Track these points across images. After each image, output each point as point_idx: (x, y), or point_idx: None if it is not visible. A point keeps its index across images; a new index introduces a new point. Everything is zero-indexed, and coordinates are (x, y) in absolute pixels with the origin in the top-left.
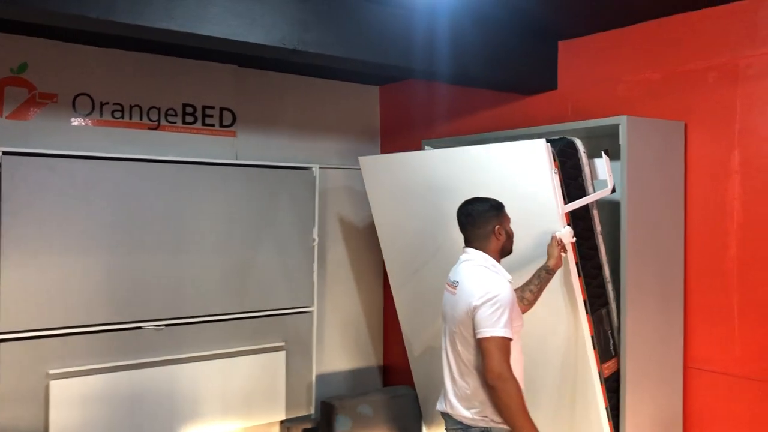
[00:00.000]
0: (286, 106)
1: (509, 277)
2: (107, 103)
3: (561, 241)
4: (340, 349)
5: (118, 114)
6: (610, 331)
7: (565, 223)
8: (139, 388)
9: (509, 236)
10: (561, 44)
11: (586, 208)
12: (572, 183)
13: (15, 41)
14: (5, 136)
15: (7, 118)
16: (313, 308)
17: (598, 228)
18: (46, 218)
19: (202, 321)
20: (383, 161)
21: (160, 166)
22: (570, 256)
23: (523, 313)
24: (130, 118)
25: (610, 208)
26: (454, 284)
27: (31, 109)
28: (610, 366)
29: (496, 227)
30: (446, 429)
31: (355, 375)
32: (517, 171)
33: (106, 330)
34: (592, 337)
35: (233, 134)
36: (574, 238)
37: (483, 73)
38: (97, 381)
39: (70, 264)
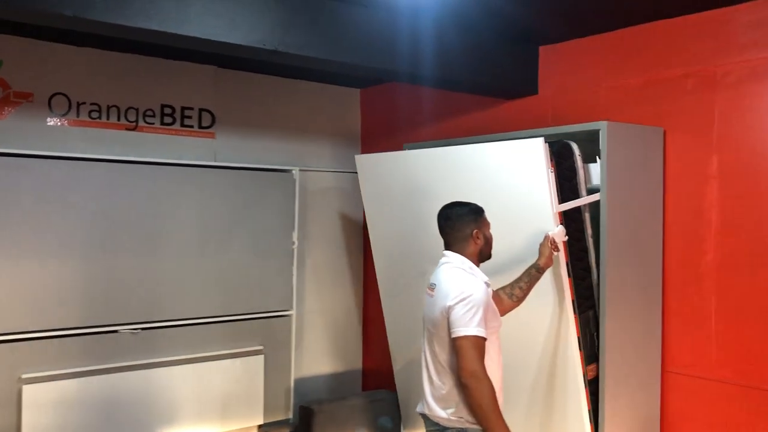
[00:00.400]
0: (266, 108)
1: (486, 278)
2: (84, 103)
3: (554, 241)
4: (319, 352)
5: (95, 114)
6: (595, 334)
7: (558, 223)
8: (115, 392)
9: (488, 240)
10: (542, 49)
11: (578, 211)
12: (566, 184)
13: None
14: None
15: None
16: (292, 312)
17: (589, 231)
18: (20, 220)
19: (179, 324)
20: (380, 160)
21: (137, 167)
22: (561, 256)
23: (512, 310)
24: (108, 119)
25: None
26: (432, 287)
27: (6, 108)
28: (593, 369)
29: (474, 231)
30: (425, 430)
31: (334, 379)
32: (514, 169)
33: (81, 333)
34: (579, 338)
35: (212, 136)
36: (566, 237)
37: (465, 77)
38: (72, 385)
39: (44, 266)
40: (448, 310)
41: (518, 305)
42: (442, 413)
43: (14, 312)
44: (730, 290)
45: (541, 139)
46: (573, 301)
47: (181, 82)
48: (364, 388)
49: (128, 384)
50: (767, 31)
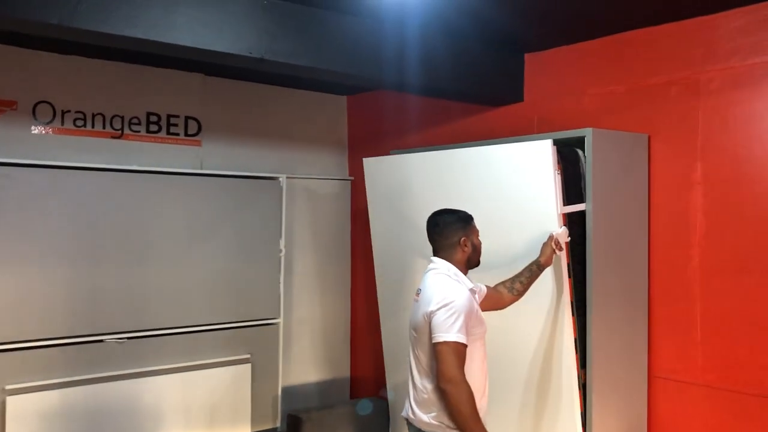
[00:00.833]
0: (252, 116)
1: (471, 285)
2: (69, 111)
3: (557, 241)
4: (306, 361)
5: (80, 122)
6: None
7: (562, 224)
8: (100, 403)
9: (476, 248)
10: (527, 57)
11: (583, 216)
12: (572, 189)
13: None
14: None
15: None
16: (280, 320)
17: None
18: (4, 229)
19: (165, 333)
20: (387, 162)
21: (123, 175)
22: (563, 257)
23: (512, 303)
24: (93, 127)
25: None
26: (418, 292)
27: None
28: (581, 374)
29: (462, 239)
30: None
31: (322, 387)
32: (522, 170)
33: (65, 343)
34: (575, 340)
35: (198, 143)
36: (569, 238)
37: (451, 84)
38: (57, 396)
39: (29, 275)
40: (430, 316)
41: (518, 299)
42: (424, 417)
43: None
44: (716, 296)
45: (549, 141)
46: (572, 303)
47: (167, 89)
48: (352, 395)
49: (114, 394)
50: (751, 39)
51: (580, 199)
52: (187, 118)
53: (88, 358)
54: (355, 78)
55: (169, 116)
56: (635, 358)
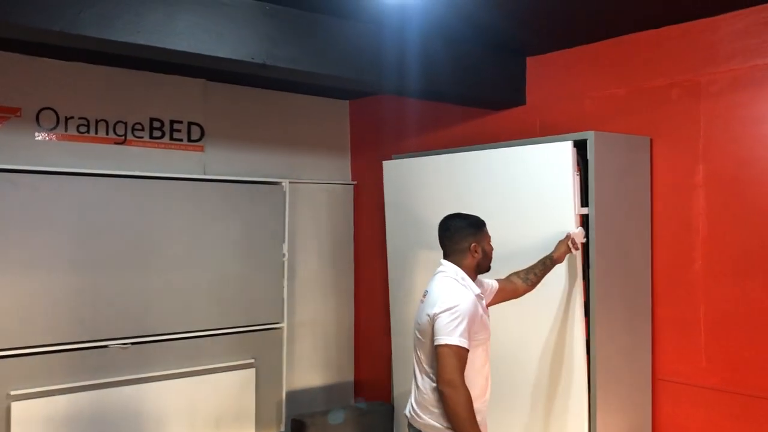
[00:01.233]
0: (255, 121)
1: (478, 291)
2: (72, 118)
3: (573, 240)
4: (310, 365)
5: (83, 128)
6: None
7: (579, 224)
8: (105, 408)
9: (486, 254)
10: (529, 60)
11: (585, 218)
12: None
13: None
14: None
15: None
16: (283, 324)
17: None
18: (9, 235)
19: (169, 339)
20: (407, 165)
21: (126, 181)
22: (578, 257)
23: (525, 293)
24: (96, 133)
25: None
26: (424, 294)
27: None
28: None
29: (473, 244)
30: None
31: (326, 391)
32: (540, 171)
33: (70, 349)
34: (587, 340)
35: (201, 149)
36: (585, 239)
37: (453, 88)
38: (61, 402)
39: (33, 281)
40: (433, 318)
41: (532, 289)
42: (424, 418)
43: (2, 328)
44: (718, 298)
45: (570, 143)
46: (585, 303)
47: (169, 95)
48: (356, 399)
49: (118, 399)
50: (751, 41)
51: (584, 203)
52: (190, 123)
53: (93, 363)
54: (357, 83)
55: (172, 122)
56: (639, 361)
